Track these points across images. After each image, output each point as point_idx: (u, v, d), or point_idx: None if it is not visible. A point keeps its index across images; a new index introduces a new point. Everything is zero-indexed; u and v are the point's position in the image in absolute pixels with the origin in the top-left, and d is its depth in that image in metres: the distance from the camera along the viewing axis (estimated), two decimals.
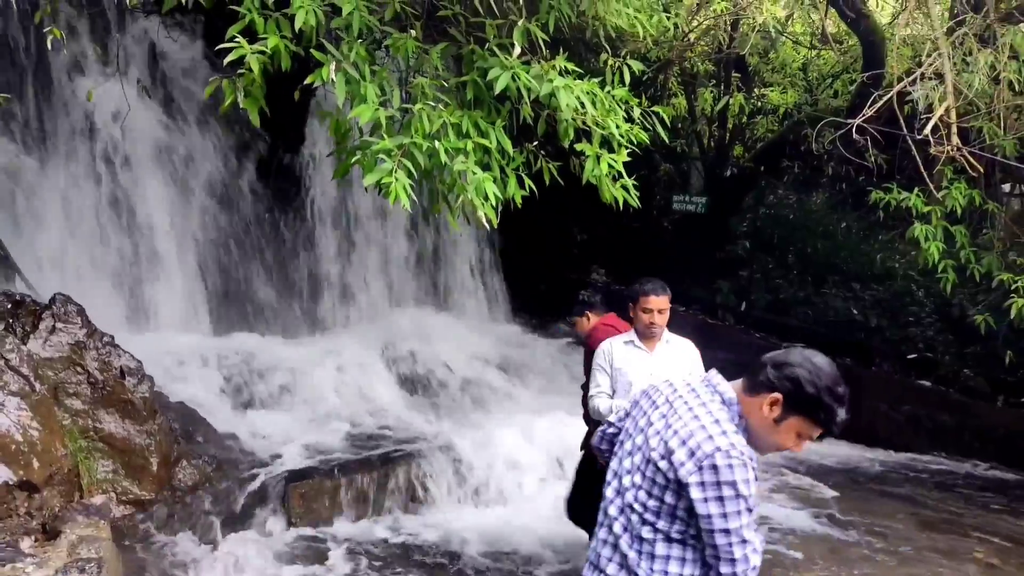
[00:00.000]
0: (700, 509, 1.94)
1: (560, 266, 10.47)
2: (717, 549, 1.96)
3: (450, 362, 7.79)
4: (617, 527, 2.15)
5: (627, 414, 2.33)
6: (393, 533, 5.25)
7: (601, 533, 2.22)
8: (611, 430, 2.45)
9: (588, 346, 4.54)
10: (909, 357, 8.11)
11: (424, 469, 5.69)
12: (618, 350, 4.17)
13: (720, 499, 1.92)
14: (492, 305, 9.65)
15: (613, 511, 2.18)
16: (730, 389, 2.08)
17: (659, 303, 4.07)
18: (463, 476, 5.79)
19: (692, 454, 1.96)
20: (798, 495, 6.32)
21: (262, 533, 4.96)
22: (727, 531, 1.93)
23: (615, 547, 2.15)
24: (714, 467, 1.92)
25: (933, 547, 5.36)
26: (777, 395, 1.98)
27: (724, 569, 1.97)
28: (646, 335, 4.12)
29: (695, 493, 1.94)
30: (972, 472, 7.23)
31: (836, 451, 7.71)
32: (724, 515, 1.93)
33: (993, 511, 6.21)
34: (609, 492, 2.22)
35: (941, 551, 5.29)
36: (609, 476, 2.26)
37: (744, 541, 1.95)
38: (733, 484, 1.91)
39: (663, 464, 2.01)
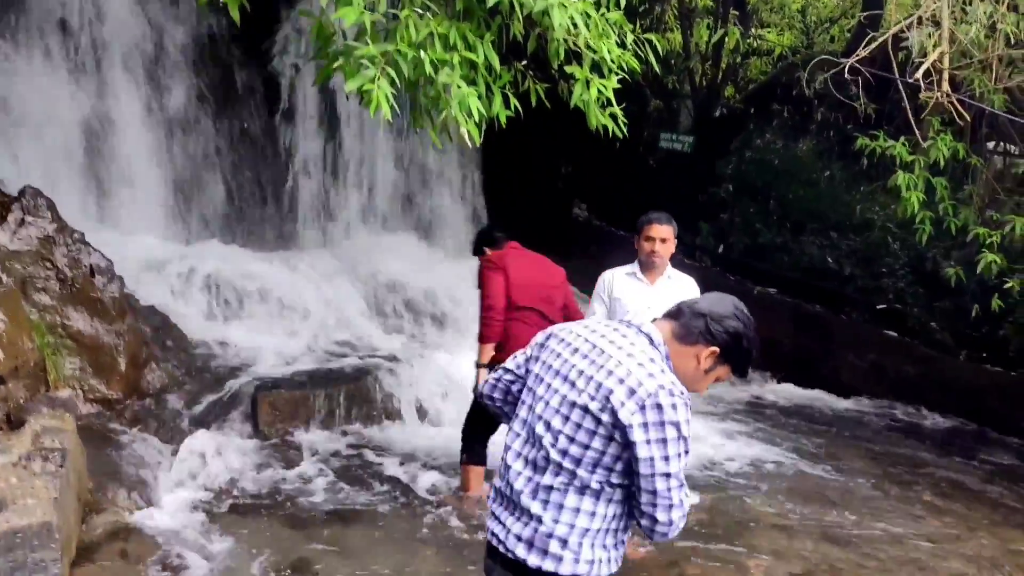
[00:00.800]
0: (641, 452, 1.82)
1: (544, 199, 10.39)
2: (656, 495, 1.85)
3: (425, 287, 7.79)
4: (520, 481, 1.98)
5: (528, 358, 2.13)
6: (357, 445, 5.31)
7: (500, 483, 2.08)
8: (508, 376, 2.18)
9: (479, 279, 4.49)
10: (879, 307, 8.20)
11: (389, 385, 5.73)
12: (619, 280, 4.16)
13: (663, 441, 1.82)
14: (471, 233, 9.59)
15: (518, 464, 2.00)
16: (656, 331, 1.98)
17: (661, 231, 4.05)
18: (426, 395, 5.84)
19: (632, 393, 1.84)
20: (758, 435, 6.47)
21: (228, 437, 4.99)
22: (667, 475, 1.83)
23: (515, 503, 1.99)
24: (658, 406, 1.82)
25: (883, 488, 5.54)
26: (715, 348, 1.95)
27: (661, 516, 1.87)
28: (647, 265, 4.09)
29: (637, 435, 1.82)
30: (928, 422, 7.44)
31: (799, 394, 7.88)
32: (666, 458, 1.82)
33: (943, 457, 6.41)
34: (516, 443, 2.04)
35: (893, 493, 5.47)
36: (516, 426, 2.07)
37: (681, 484, 1.87)
38: (676, 424, 1.83)
39: (594, 406, 1.87)
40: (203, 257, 6.67)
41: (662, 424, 1.82)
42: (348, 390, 5.54)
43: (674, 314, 2.02)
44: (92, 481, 3.97)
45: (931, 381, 7.76)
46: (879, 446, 6.54)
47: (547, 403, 1.99)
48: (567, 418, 1.93)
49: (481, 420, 4.39)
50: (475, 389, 4.34)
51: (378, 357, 6.18)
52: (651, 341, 1.97)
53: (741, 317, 1.97)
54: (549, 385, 2.01)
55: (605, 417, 1.87)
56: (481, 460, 4.47)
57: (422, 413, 5.80)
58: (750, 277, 8.98)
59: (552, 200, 10.42)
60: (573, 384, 1.95)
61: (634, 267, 4.18)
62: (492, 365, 4.27)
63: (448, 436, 5.20)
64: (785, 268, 8.85)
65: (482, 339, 4.37)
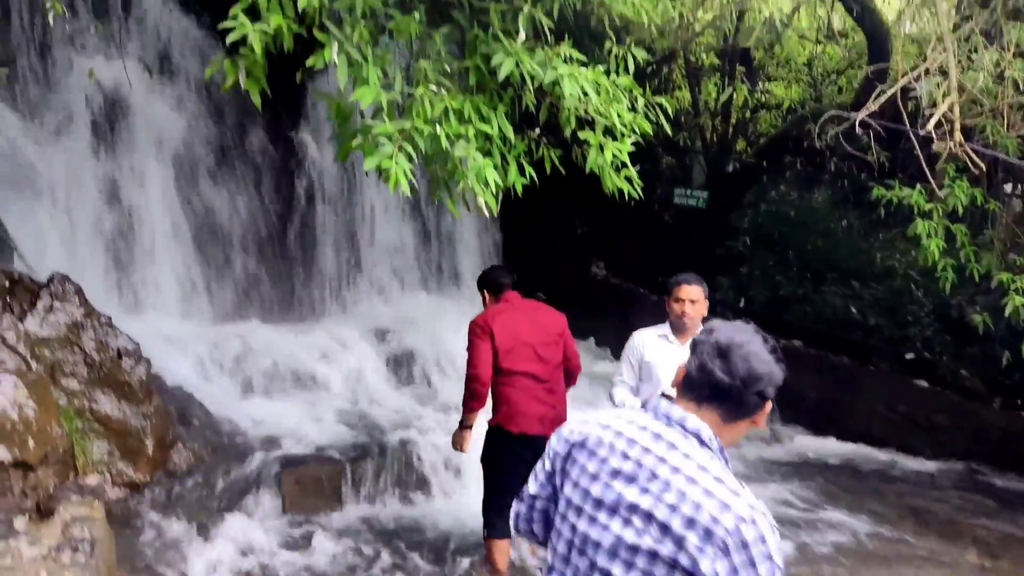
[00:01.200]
0: None
1: (561, 258, 10.45)
2: None
3: (448, 351, 7.78)
4: None
5: (551, 474, 1.81)
6: (386, 520, 5.25)
7: None
8: (539, 504, 1.87)
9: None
10: (907, 357, 8.08)
11: (418, 456, 5.68)
12: (650, 343, 4.10)
13: None
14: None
15: None
16: (704, 425, 1.68)
17: (691, 293, 4.00)
18: (456, 466, 5.78)
19: (709, 535, 1.55)
20: (791, 492, 6.32)
21: (256, 518, 4.95)
22: None
23: None
24: (743, 544, 1.54)
25: (927, 547, 5.36)
26: (768, 404, 1.72)
27: None
28: (678, 327, 4.03)
29: None
30: (966, 473, 7.23)
31: (831, 448, 7.72)
32: None
33: (985, 512, 6.21)
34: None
35: (935, 550, 5.30)
36: (558, 564, 1.75)
37: None
38: (768, 556, 1.56)
39: (665, 551, 1.58)
40: (227, 334, 6.73)
41: (752, 563, 1.55)
42: (375, 464, 5.50)
43: (715, 396, 1.69)
44: (121, 571, 3.93)
45: (965, 431, 7.58)
46: (916, 500, 6.36)
47: (598, 545, 1.67)
48: (630, 564, 1.62)
49: (496, 491, 4.34)
50: (455, 445, 4.50)
51: (404, 427, 6.14)
52: (702, 441, 1.67)
53: (780, 356, 1.73)
54: (594, 519, 1.68)
55: (683, 559, 1.57)
56: (503, 533, 4.37)
57: (450, 483, 5.73)
58: (773, 330, 8.75)
59: (570, 259, 10.47)
60: (627, 521, 1.64)
61: (665, 328, 4.12)
62: (492, 429, 4.36)
63: (477, 505, 5.12)
64: (808, 320, 8.77)
65: (466, 407, 4.39)
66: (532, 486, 1.89)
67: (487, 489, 4.45)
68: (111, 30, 6.36)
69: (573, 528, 1.72)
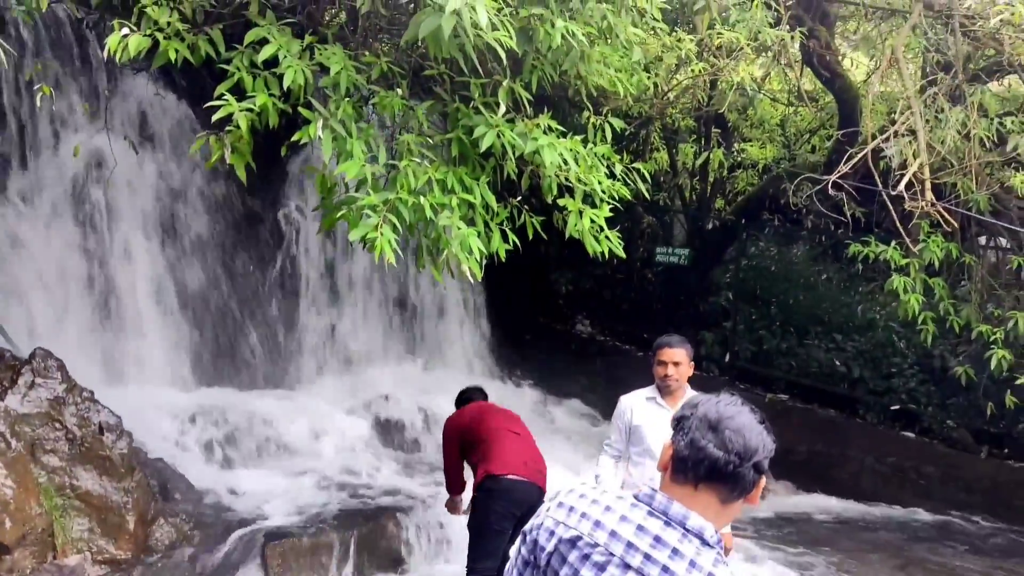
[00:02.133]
0: None
1: (545, 317, 10.49)
2: None
3: (432, 416, 7.73)
4: None
5: (535, 565, 1.70)
6: None
7: None
8: None
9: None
10: (892, 408, 8.13)
11: (404, 526, 5.60)
12: (638, 406, 4.09)
13: None
14: (477, 356, 9.62)
15: None
16: (707, 524, 1.60)
17: (672, 355, 3.99)
18: (443, 534, 5.69)
19: None
20: (784, 552, 6.26)
21: None
22: None
23: None
24: None
25: None
26: (763, 480, 1.67)
27: None
28: (664, 389, 4.03)
29: None
30: (960, 525, 7.20)
31: (821, 504, 7.68)
32: None
33: (983, 563, 6.17)
34: None
35: None
36: None
37: None
38: None
39: None
40: (211, 404, 6.65)
41: None
42: (360, 534, 5.40)
43: (712, 474, 1.61)
44: None
45: (955, 481, 7.59)
46: (912, 554, 6.31)
47: None
48: None
49: (482, 555, 4.37)
50: (451, 511, 5.04)
51: (389, 495, 6.06)
52: (704, 541, 1.59)
53: (769, 427, 1.66)
54: None
55: None
56: None
57: (436, 550, 5.63)
58: (760, 384, 8.94)
59: (554, 317, 10.52)
60: None
61: (652, 391, 4.10)
62: (479, 486, 4.54)
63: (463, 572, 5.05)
64: (794, 373, 8.82)
65: (448, 490, 4.97)
66: (511, 572, 1.77)
67: (471, 556, 4.45)
68: (97, 108, 6.45)
69: None
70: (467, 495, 4.78)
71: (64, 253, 6.45)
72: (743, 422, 1.62)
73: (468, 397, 5.15)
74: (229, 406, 6.69)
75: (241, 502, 5.72)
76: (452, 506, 5.01)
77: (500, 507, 4.35)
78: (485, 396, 5.21)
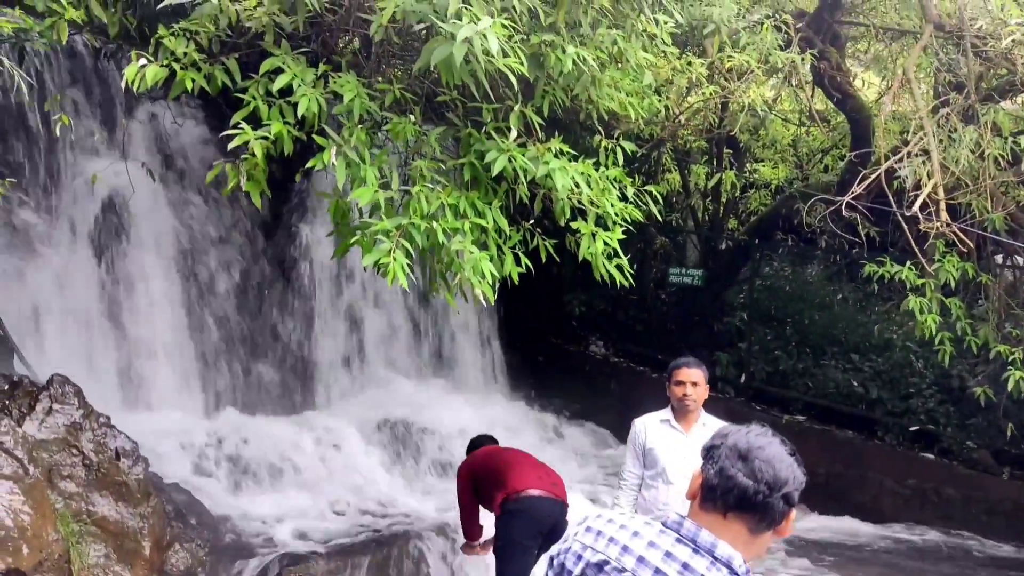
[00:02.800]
0: None
1: (559, 338, 10.47)
2: None
3: (446, 438, 7.72)
4: None
5: None
6: None
7: None
8: None
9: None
10: (911, 429, 8.04)
11: (421, 549, 5.57)
12: (651, 429, 4.04)
13: None
14: (491, 378, 9.61)
15: None
16: (736, 554, 1.59)
17: (690, 375, 3.96)
18: (458, 558, 5.65)
19: None
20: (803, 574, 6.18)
21: None
22: None
23: None
24: None
25: None
26: (793, 512, 1.67)
27: None
28: (680, 410, 3.99)
29: None
30: (982, 548, 7.08)
31: (841, 526, 7.57)
32: None
33: None
34: None
35: None
36: None
37: None
38: None
39: None
40: (225, 429, 6.68)
41: None
42: (376, 559, 5.38)
43: (741, 503, 1.61)
44: None
45: (977, 503, 7.47)
46: None
47: None
48: None
49: None
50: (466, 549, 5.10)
51: (405, 518, 6.04)
52: (732, 571, 1.58)
53: (799, 459, 1.66)
54: None
55: None
56: None
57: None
58: (776, 405, 8.87)
59: (568, 339, 10.49)
60: None
61: (667, 413, 4.06)
62: (501, 514, 4.59)
63: None
64: (810, 394, 8.75)
65: (465, 535, 5.03)
66: None
67: None
68: (115, 135, 6.55)
69: None
70: (486, 533, 4.88)
71: (81, 279, 6.52)
72: (773, 453, 1.63)
73: (479, 443, 5.22)
74: (244, 431, 6.71)
75: (256, 527, 5.72)
76: (470, 550, 5.06)
77: (524, 524, 4.40)
78: (496, 442, 5.29)
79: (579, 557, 1.67)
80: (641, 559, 1.60)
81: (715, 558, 1.57)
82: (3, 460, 4.35)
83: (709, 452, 1.68)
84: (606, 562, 1.62)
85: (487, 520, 4.90)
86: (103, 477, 4.82)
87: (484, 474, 4.78)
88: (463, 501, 4.91)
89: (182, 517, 5.40)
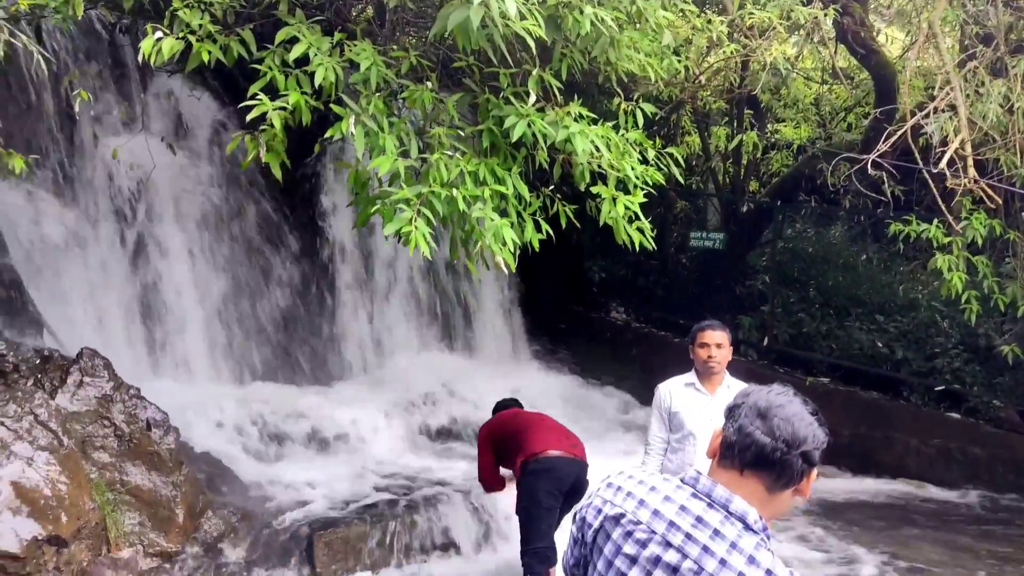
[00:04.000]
0: None
1: (580, 305, 10.47)
2: None
3: (471, 403, 7.78)
4: None
5: (577, 542, 1.78)
6: None
7: None
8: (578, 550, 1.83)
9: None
10: (937, 389, 7.98)
11: (448, 515, 5.65)
12: (676, 392, 4.04)
13: None
14: (513, 345, 9.64)
15: None
16: (750, 508, 1.60)
17: (715, 337, 3.94)
18: (485, 522, 5.74)
19: None
20: (832, 534, 6.20)
21: None
22: None
23: None
24: None
25: None
26: (815, 472, 1.65)
27: None
28: (704, 373, 3.98)
29: None
30: (1010, 507, 7.06)
31: (867, 486, 7.57)
32: None
33: None
34: None
35: None
36: None
37: None
38: None
39: None
40: (253, 398, 6.78)
41: None
42: (403, 523, 5.47)
43: (758, 461, 1.61)
44: None
45: (1004, 462, 7.42)
46: (960, 537, 6.20)
47: None
48: None
49: (532, 537, 4.46)
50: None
51: (432, 485, 6.12)
52: (747, 525, 1.59)
53: (821, 419, 1.66)
54: None
55: None
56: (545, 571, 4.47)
57: (480, 540, 5.68)
58: (800, 368, 8.83)
59: (589, 305, 10.49)
60: None
61: (691, 376, 4.05)
62: (522, 472, 4.65)
63: (508, 560, 5.10)
64: (834, 356, 8.69)
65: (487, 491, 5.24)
66: (568, 556, 1.84)
67: (524, 538, 4.55)
68: (134, 110, 6.57)
69: None
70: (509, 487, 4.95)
71: (106, 253, 6.60)
72: (793, 411, 1.62)
73: (504, 405, 5.28)
74: (272, 401, 6.80)
75: (285, 494, 5.82)
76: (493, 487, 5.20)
77: (546, 484, 4.48)
78: (520, 405, 5.34)
79: (599, 511, 1.72)
80: (656, 512, 1.63)
81: (729, 512, 1.59)
82: (39, 432, 4.45)
83: (731, 411, 1.69)
84: (623, 515, 1.66)
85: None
86: (135, 447, 4.93)
87: (504, 436, 4.85)
88: (483, 463, 5.02)
89: (213, 485, 5.51)
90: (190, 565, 4.85)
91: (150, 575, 4.61)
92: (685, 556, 1.57)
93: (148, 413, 5.08)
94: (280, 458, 6.44)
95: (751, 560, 1.54)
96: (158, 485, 4.95)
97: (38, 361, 4.98)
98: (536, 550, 4.42)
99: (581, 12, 3.83)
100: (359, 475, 6.27)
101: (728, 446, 1.65)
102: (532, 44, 3.68)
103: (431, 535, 5.57)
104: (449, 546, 5.59)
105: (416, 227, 3.70)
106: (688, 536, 1.58)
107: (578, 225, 4.79)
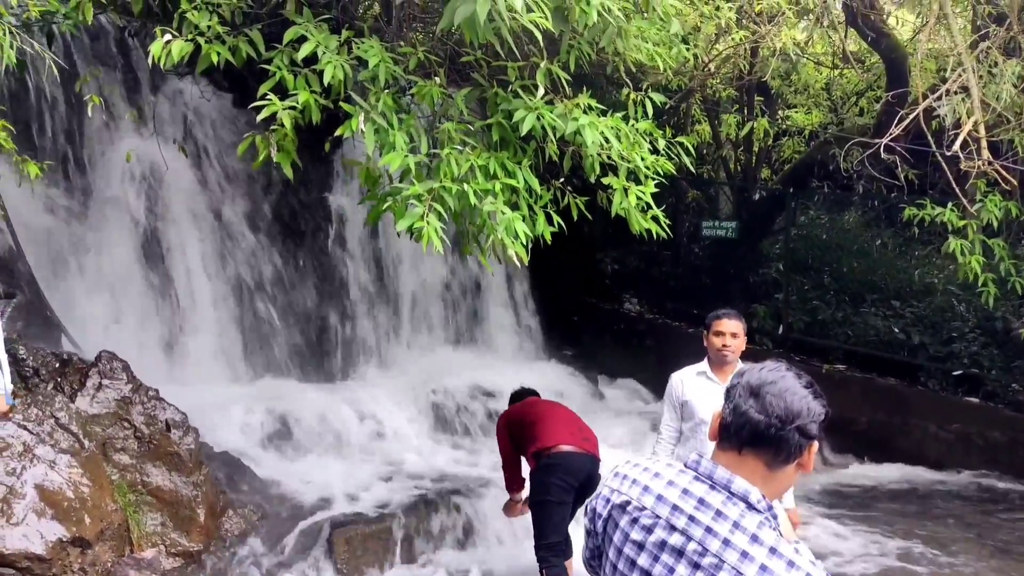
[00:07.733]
0: None
1: (593, 296, 10.46)
2: None
3: (485, 400, 7.79)
4: None
5: (590, 533, 1.81)
6: (441, 574, 5.23)
7: None
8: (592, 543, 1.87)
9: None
10: (955, 374, 7.92)
11: (467, 509, 5.67)
12: (688, 381, 4.01)
13: None
14: (526, 339, 9.65)
15: None
16: (752, 488, 1.59)
17: (729, 326, 3.91)
18: (499, 514, 5.74)
19: None
20: (851, 521, 6.18)
21: None
22: None
23: None
24: None
25: (996, 566, 5.20)
26: (814, 445, 1.63)
27: None
28: (718, 361, 3.94)
29: None
30: None
31: (886, 473, 7.54)
32: None
33: None
34: None
35: (1003, 568, 5.13)
36: None
37: None
38: None
39: None
40: (270, 396, 6.81)
41: None
42: (423, 519, 5.49)
43: (754, 439, 1.61)
44: None
45: (1022, 445, 7.37)
46: (980, 523, 6.17)
47: None
48: None
49: (547, 531, 4.47)
50: (508, 513, 5.14)
51: (450, 480, 6.14)
52: (750, 505, 1.59)
53: (818, 391, 1.64)
54: None
55: None
56: (561, 564, 4.48)
57: (500, 533, 5.70)
58: (816, 355, 8.79)
59: (602, 297, 10.47)
60: None
61: (704, 365, 4.03)
62: (535, 467, 4.64)
63: (527, 555, 5.11)
64: (850, 342, 8.65)
65: (508, 487, 5.06)
66: (585, 549, 1.86)
67: (537, 533, 4.55)
68: (144, 113, 6.61)
69: None
70: (524, 493, 4.94)
71: (120, 255, 6.65)
72: (785, 386, 1.62)
73: (521, 395, 5.28)
74: (288, 400, 6.83)
75: (304, 491, 5.85)
76: (511, 508, 5.08)
77: (557, 479, 4.47)
78: (537, 394, 5.33)
79: (607, 501, 1.75)
80: (660, 498, 1.65)
81: (731, 493, 1.59)
82: (60, 435, 4.50)
83: (728, 393, 1.70)
84: (628, 502, 1.69)
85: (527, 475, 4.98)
86: (155, 448, 4.97)
87: (519, 426, 4.86)
88: (503, 452, 5.00)
89: (233, 484, 5.55)
90: (212, 564, 4.89)
91: (173, 575, 4.66)
92: (689, 538, 1.58)
93: (167, 414, 5.12)
94: (296, 455, 6.47)
95: (754, 539, 1.54)
96: (179, 485, 4.99)
97: (57, 365, 5.02)
98: (550, 544, 4.45)
99: (588, 3, 3.81)
100: (377, 471, 6.30)
101: (725, 427, 1.66)
102: (540, 37, 3.67)
103: (452, 530, 5.60)
104: (469, 541, 5.61)
105: (428, 223, 3.71)
106: (691, 519, 1.59)
107: (589, 217, 4.77)
